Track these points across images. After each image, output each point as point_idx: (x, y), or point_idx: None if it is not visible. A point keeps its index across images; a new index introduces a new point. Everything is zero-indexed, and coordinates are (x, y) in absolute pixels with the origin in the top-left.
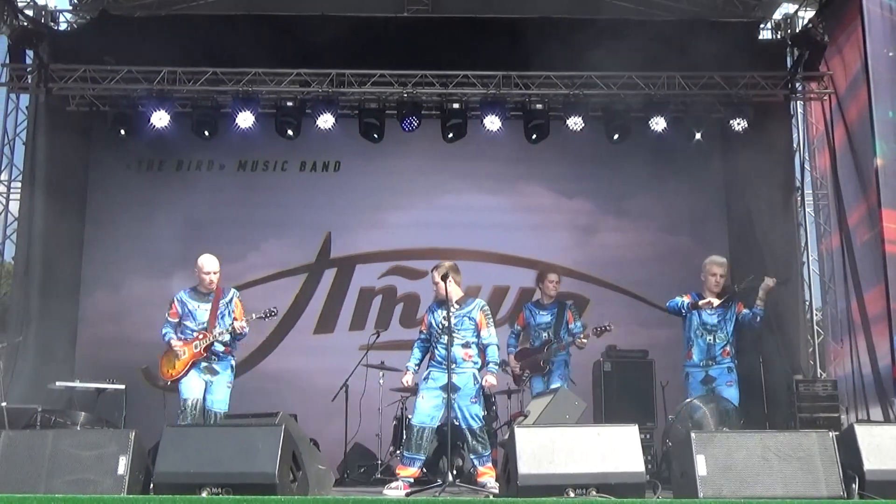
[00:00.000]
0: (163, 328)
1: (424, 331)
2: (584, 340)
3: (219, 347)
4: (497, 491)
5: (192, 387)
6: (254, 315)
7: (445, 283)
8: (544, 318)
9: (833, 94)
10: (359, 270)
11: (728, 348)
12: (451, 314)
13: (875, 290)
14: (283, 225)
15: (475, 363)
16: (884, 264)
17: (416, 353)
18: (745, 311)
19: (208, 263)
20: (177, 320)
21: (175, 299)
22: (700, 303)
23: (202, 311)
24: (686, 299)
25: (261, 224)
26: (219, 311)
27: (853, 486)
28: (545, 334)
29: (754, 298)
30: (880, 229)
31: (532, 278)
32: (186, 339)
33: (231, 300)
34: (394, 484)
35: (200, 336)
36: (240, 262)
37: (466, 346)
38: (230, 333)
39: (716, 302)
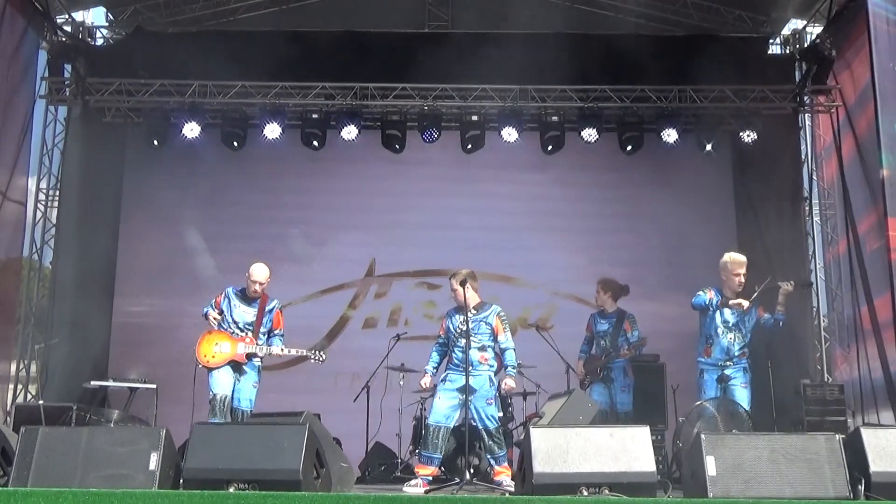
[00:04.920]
0: (205, 307)
1: (442, 335)
2: (626, 353)
3: (255, 358)
4: (513, 489)
5: (222, 382)
6: (304, 351)
7: (464, 289)
8: (603, 326)
9: (841, 107)
10: (394, 284)
11: (746, 349)
12: (468, 319)
13: (886, 296)
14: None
15: (491, 366)
16: (889, 272)
17: (434, 356)
18: (767, 315)
19: (257, 272)
20: (218, 310)
21: (224, 292)
22: (731, 302)
23: (241, 312)
24: (711, 296)
25: (302, 251)
26: (263, 320)
27: (859, 487)
28: (603, 342)
29: (772, 301)
30: (887, 238)
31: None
32: (232, 335)
33: (273, 310)
34: (413, 482)
35: (247, 339)
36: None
37: (483, 349)
38: (268, 354)
39: (745, 304)
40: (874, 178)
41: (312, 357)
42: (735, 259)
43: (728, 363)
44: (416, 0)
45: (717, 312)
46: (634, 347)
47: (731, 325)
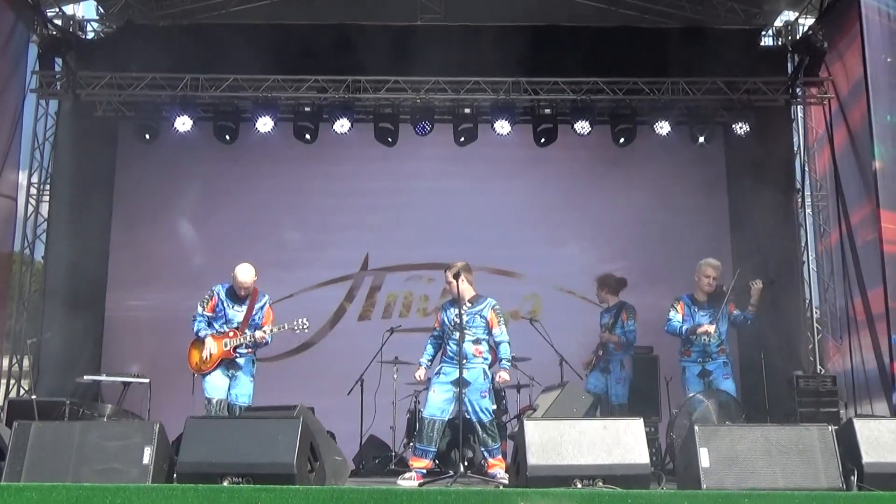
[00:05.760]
0: (195, 322)
1: (437, 328)
2: (605, 334)
3: (242, 348)
4: (506, 481)
5: (217, 386)
6: (286, 325)
7: (458, 281)
8: (605, 319)
9: (833, 99)
10: (388, 278)
11: (724, 346)
12: (462, 312)
13: (879, 288)
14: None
15: (485, 359)
16: (882, 265)
17: (429, 349)
18: (737, 312)
19: (241, 275)
20: (212, 314)
21: (215, 293)
22: (698, 330)
23: (233, 311)
24: (681, 320)
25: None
26: (252, 316)
27: (852, 478)
28: (604, 335)
29: (745, 297)
30: (880, 230)
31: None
32: (217, 334)
33: (263, 306)
34: (407, 475)
35: (231, 334)
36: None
37: (477, 342)
38: (253, 341)
39: (711, 329)
40: (867, 170)
41: (296, 328)
42: (708, 263)
43: (708, 359)
44: None
45: (690, 318)
46: (609, 335)
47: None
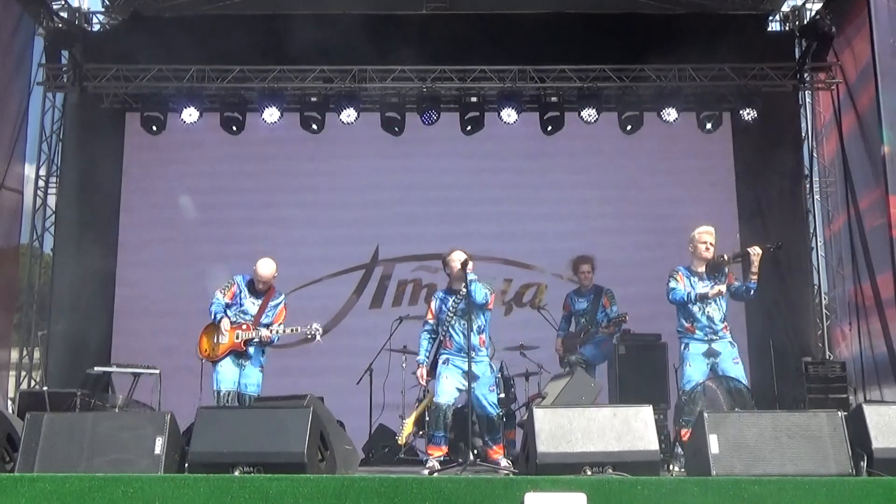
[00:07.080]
0: (213, 306)
1: (432, 320)
2: (605, 330)
3: (252, 343)
4: (514, 469)
5: (227, 377)
6: (298, 328)
7: (445, 269)
8: (581, 304)
9: (841, 84)
10: (397, 268)
11: (727, 323)
12: (460, 300)
13: (888, 273)
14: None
15: (487, 349)
16: (891, 250)
17: (425, 343)
18: (737, 283)
19: (262, 270)
20: (230, 302)
21: (235, 282)
22: (710, 293)
23: (249, 303)
24: (685, 285)
25: (309, 234)
26: (265, 311)
27: (862, 464)
28: (582, 320)
29: (746, 269)
30: (889, 216)
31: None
32: (231, 324)
33: (277, 305)
34: (429, 464)
35: (245, 327)
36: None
37: (480, 331)
38: (259, 340)
39: (724, 289)
40: (875, 155)
41: (308, 332)
42: (703, 229)
43: (714, 337)
44: None
45: (691, 293)
46: (615, 324)
47: (706, 300)
